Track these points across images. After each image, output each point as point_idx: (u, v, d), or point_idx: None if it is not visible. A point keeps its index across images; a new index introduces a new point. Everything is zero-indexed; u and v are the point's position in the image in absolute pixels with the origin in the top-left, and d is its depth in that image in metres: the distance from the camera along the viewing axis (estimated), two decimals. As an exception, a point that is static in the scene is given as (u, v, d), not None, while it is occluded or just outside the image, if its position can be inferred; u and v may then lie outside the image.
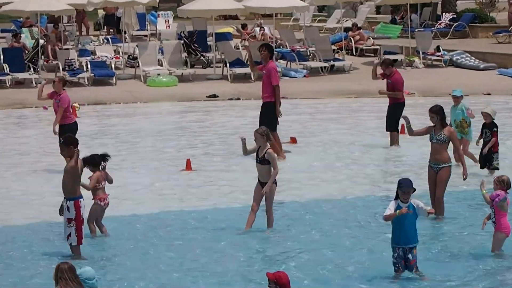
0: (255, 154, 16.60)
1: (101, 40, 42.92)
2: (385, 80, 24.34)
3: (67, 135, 16.51)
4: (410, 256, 13.96)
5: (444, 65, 37.83)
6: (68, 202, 15.02)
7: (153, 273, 14.53)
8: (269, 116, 22.60)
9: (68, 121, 21.69)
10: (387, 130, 24.23)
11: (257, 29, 43.13)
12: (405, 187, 13.92)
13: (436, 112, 17.51)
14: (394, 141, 24.09)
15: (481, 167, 20.85)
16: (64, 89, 22.02)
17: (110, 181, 16.49)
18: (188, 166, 21.86)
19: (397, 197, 13.93)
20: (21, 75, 34.49)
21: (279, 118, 22.74)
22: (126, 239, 16.43)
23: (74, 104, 28.61)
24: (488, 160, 20.75)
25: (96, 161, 16.35)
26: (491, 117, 20.74)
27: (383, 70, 24.49)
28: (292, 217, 17.88)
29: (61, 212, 15.09)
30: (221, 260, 15.13)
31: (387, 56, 38.69)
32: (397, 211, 13.62)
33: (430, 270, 14.14)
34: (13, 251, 15.64)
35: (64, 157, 15.73)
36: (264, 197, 16.56)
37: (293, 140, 24.80)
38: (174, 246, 16.04)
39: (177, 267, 14.85)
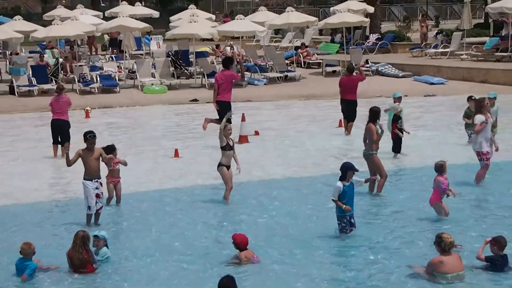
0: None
1: (107, 58, 42.64)
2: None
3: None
4: (353, 220, 14.24)
5: (372, 74, 37.80)
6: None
7: (151, 234, 14.73)
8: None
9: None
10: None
11: (228, 48, 43.07)
12: (354, 169, 14.12)
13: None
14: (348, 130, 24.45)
15: (399, 151, 20.95)
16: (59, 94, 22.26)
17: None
18: (176, 154, 21.90)
19: (341, 179, 14.04)
20: (45, 86, 34.39)
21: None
22: (130, 211, 16.51)
23: (87, 108, 28.66)
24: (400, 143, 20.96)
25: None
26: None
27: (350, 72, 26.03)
28: (257, 193, 17.98)
29: None
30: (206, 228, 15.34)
31: (329, 68, 39.21)
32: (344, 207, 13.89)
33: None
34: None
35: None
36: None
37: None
38: (167, 214, 16.23)
39: (166, 229, 15.04)
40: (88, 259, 12.53)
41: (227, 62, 24.45)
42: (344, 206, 13.83)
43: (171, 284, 12.24)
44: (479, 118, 17.70)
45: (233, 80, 23.96)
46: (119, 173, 16.65)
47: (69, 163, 15.42)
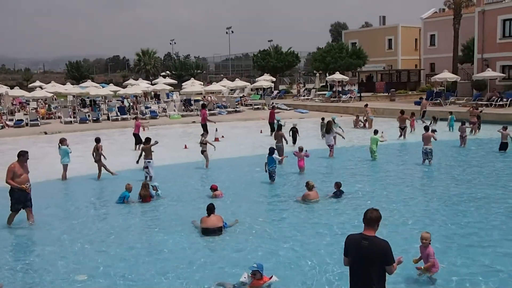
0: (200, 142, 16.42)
1: (153, 102, 41.81)
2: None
3: (146, 138, 15.56)
4: (274, 175, 13.77)
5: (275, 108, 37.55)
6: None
7: (177, 184, 14.14)
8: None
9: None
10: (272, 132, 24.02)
11: (209, 97, 42.34)
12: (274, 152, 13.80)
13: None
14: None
15: (294, 143, 20.30)
16: (137, 120, 21.43)
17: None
18: (185, 147, 21.46)
19: (269, 154, 13.64)
20: (123, 116, 33.37)
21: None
22: (162, 174, 15.86)
23: (145, 124, 27.94)
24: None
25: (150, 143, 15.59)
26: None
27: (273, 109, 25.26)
28: (224, 164, 17.57)
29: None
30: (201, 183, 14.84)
31: (255, 106, 38.87)
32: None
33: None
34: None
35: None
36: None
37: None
38: (181, 176, 15.67)
39: (180, 183, 14.49)
40: (149, 194, 12.34)
41: (203, 106, 24.66)
42: (280, 159, 13.75)
43: (185, 204, 11.97)
44: (334, 134, 17.98)
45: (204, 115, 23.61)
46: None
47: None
